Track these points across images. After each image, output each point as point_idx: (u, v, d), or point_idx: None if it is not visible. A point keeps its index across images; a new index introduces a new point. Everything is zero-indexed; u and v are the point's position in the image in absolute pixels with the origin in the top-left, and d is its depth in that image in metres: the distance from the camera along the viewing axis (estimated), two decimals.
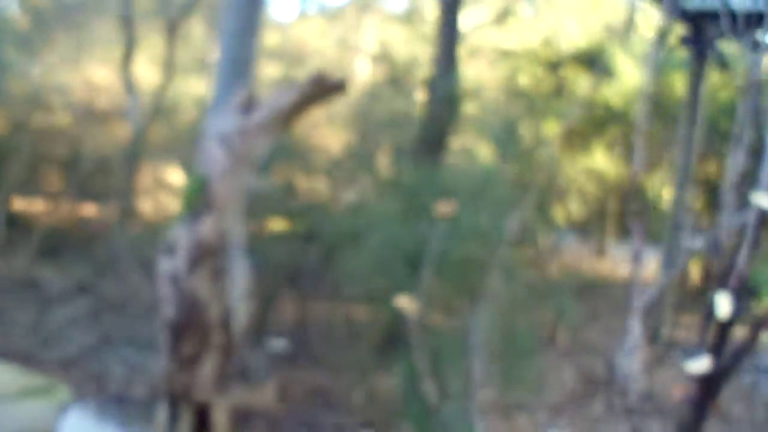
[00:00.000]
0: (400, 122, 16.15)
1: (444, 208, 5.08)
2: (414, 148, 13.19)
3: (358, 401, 9.62)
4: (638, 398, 10.39)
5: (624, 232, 20.67)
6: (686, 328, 15.88)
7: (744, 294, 4.31)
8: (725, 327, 4.32)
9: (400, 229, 8.91)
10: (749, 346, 4.53)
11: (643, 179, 18.35)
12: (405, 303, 4.68)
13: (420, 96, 17.42)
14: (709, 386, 4.20)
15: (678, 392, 11.51)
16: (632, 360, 11.32)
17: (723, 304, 4.19)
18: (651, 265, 16.77)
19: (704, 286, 18.97)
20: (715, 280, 4.63)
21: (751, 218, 4.27)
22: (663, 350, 13.09)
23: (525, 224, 9.11)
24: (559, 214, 18.74)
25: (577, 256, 20.24)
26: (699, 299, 17.04)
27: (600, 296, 16.88)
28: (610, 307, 15.91)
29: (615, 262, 20.75)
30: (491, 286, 5.29)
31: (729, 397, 11.79)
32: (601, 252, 21.36)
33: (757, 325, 4.53)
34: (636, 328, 11.38)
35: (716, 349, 4.30)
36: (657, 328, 12.84)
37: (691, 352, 14.57)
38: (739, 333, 4.54)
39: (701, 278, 19.54)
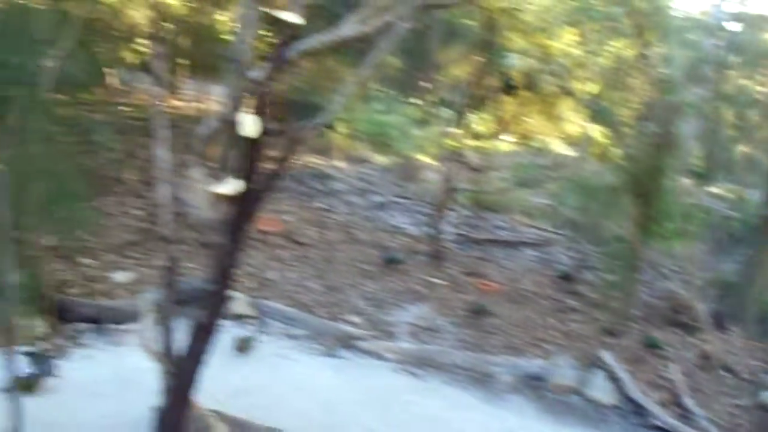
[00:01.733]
0: None
1: None
2: None
3: None
4: (205, 229, 11.18)
5: (196, 73, 20.55)
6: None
7: (273, 116, 4.71)
8: (255, 147, 4.62)
9: None
10: (281, 165, 4.89)
11: (212, 18, 18.63)
12: None
13: None
14: (243, 207, 4.20)
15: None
16: (196, 192, 11.30)
17: (248, 123, 4.52)
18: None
19: (275, 118, 19.34)
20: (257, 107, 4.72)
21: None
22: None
23: (83, 64, 8.63)
24: (129, 53, 17.88)
25: (150, 95, 19.49)
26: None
27: (172, 134, 16.57)
28: (181, 144, 15.98)
29: (187, 99, 21.00)
30: (12, 120, 4.49)
31: (300, 222, 13.18)
32: (173, 90, 20.88)
33: (290, 145, 5.06)
34: (198, 161, 11.35)
35: (247, 170, 4.56)
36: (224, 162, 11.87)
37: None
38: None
39: (273, 112, 19.59)
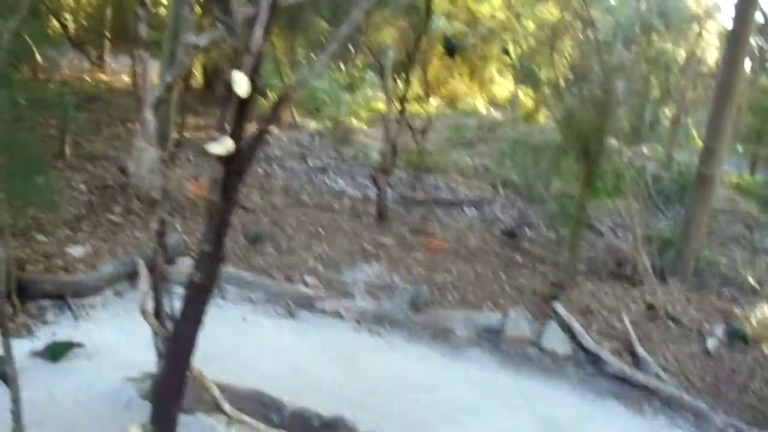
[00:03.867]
0: None
1: None
2: None
3: None
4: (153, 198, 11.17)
5: (119, 46, 20.56)
6: (193, 129, 17.03)
7: (257, 75, 4.44)
8: (244, 107, 4.38)
9: None
10: (270, 123, 4.71)
11: None
12: None
13: None
14: (235, 165, 4.12)
15: (196, 189, 12.27)
16: (143, 162, 11.44)
17: (240, 82, 4.28)
18: (152, 74, 16.84)
19: (207, 86, 20.31)
20: (231, 63, 4.52)
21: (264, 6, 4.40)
22: (172, 151, 13.44)
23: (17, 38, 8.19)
24: (54, 27, 17.78)
25: (75, 70, 19.63)
26: (204, 100, 18.77)
27: (102, 108, 16.84)
28: (113, 116, 16.41)
29: (114, 73, 20.78)
30: None
31: (242, 187, 12.26)
32: (99, 64, 20.86)
33: (277, 104, 4.90)
34: (148, 127, 11.42)
35: (236, 130, 4.34)
36: (165, 130, 12.45)
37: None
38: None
39: (204, 80, 20.54)
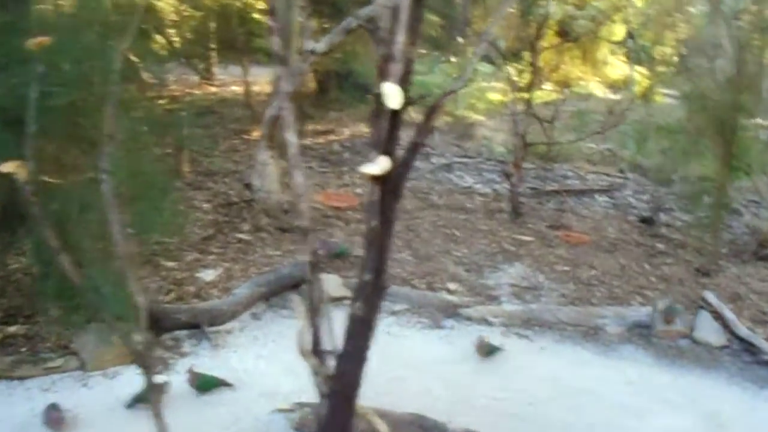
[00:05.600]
0: None
1: (37, 44, 3.84)
2: None
3: None
4: (284, 214, 11.19)
5: (227, 56, 20.19)
6: (312, 135, 16.75)
7: (407, 84, 4.15)
8: (396, 120, 4.15)
9: None
10: (424, 135, 4.45)
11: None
12: (13, 168, 3.66)
13: None
14: (391, 185, 3.87)
15: (324, 199, 12.04)
16: (267, 176, 11.30)
17: (392, 94, 3.92)
18: (263, 84, 17.27)
19: (321, 90, 19.69)
20: (378, 71, 4.10)
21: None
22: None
23: (128, 57, 8.43)
24: (159, 43, 17.38)
25: (184, 85, 19.74)
26: (318, 104, 18.52)
27: (215, 121, 16.89)
28: (227, 128, 16.44)
29: (223, 84, 20.84)
30: (107, 127, 4.26)
31: None
32: (208, 77, 20.96)
33: (430, 113, 4.50)
34: (266, 143, 11.11)
35: (389, 146, 4.08)
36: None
37: (337, 158, 15.24)
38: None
39: (317, 84, 19.78)
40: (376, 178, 3.76)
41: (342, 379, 3.83)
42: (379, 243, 3.71)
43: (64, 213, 7.17)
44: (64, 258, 4.03)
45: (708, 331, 9.27)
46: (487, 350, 8.35)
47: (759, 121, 11.74)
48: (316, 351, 4.05)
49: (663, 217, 13.34)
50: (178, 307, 8.64)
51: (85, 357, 7.62)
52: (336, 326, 4.13)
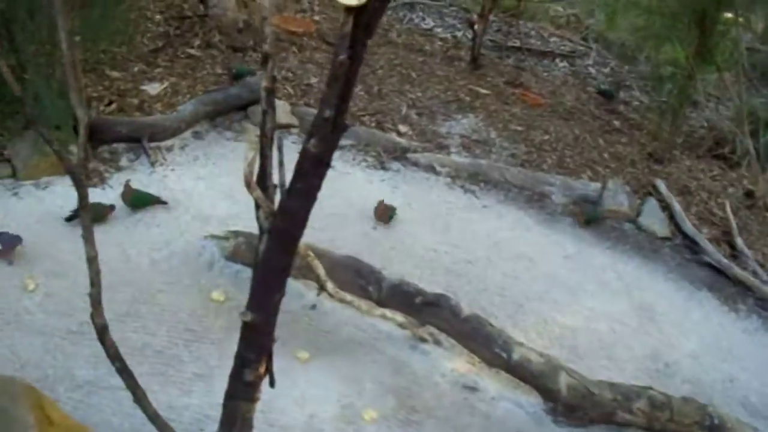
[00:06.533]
0: None
1: None
2: None
3: None
4: (238, 33, 10.74)
5: None
6: None
7: None
8: None
9: None
10: None
11: None
12: None
13: None
14: (366, 18, 3.15)
15: (280, 22, 11.11)
16: None
17: None
18: None
19: None
20: None
21: None
22: None
23: None
24: None
25: None
26: None
27: None
28: None
29: None
30: None
31: (330, 22, 11.97)
32: None
33: None
34: None
35: None
36: None
37: None
38: None
39: None
40: (350, 10, 3.20)
41: (288, 217, 3.35)
42: (344, 79, 3.17)
43: (10, 14, 6.89)
44: (2, 63, 3.62)
45: (654, 219, 9.19)
46: (389, 214, 7.93)
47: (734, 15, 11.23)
48: (262, 183, 3.56)
49: (622, 94, 12.93)
50: (120, 120, 8.25)
51: (18, 165, 7.32)
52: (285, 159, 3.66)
